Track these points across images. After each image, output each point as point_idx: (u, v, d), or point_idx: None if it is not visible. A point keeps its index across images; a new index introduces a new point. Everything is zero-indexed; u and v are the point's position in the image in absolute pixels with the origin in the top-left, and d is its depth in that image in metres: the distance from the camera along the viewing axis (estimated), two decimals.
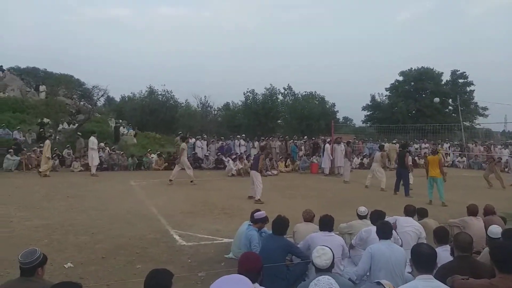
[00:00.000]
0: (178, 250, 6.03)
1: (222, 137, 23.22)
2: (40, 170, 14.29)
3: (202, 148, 20.05)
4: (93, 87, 24.18)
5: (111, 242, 6.28)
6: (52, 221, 7.53)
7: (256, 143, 21.32)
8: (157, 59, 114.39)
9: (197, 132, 26.29)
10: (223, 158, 18.43)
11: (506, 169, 19.80)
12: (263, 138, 22.74)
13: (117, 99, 45.75)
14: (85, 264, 5.26)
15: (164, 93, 35.99)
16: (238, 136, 22.53)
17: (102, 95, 24.56)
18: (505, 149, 23.19)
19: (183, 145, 13.53)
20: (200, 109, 35.89)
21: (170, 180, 12.95)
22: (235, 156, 17.62)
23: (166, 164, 17.61)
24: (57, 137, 19.41)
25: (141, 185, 12.77)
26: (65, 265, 5.13)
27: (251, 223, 5.44)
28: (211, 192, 11.71)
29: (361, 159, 21.31)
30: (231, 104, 39.47)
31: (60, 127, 20.68)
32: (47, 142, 14.89)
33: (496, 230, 4.56)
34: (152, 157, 18.12)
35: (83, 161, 16.45)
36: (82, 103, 25.79)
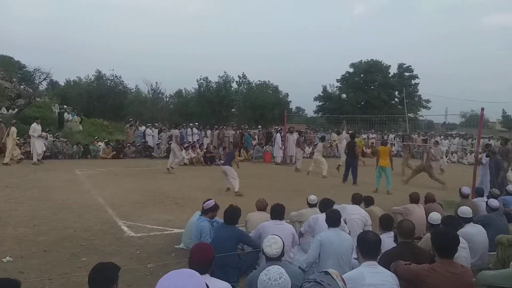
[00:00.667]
0: (126, 241, 5.86)
1: (174, 125, 22.74)
2: (14, 158, 14.03)
3: (152, 136, 19.54)
4: (34, 70, 22.70)
5: (54, 234, 5.98)
6: None
7: (209, 132, 21.12)
8: (105, 42, 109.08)
9: (147, 120, 25.56)
10: None
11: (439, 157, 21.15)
12: (216, 127, 22.56)
13: (61, 83, 43.31)
14: (25, 257, 4.97)
15: (112, 78, 34.67)
16: (191, 124, 22.19)
17: (45, 79, 23.11)
18: (445, 139, 24.73)
19: (176, 131, 13.98)
20: (151, 95, 34.84)
21: (172, 168, 13.46)
22: (187, 144, 17.32)
23: (114, 152, 16.98)
24: None
25: (87, 174, 12.24)
26: (3, 259, 4.84)
27: (202, 214, 5.37)
28: (162, 181, 11.47)
29: (312, 148, 21.76)
30: (183, 91, 38.73)
31: None
32: (13, 129, 14.18)
33: (436, 216, 4.84)
34: (99, 145, 17.38)
35: (24, 149, 15.45)
36: (22, 87, 24.09)
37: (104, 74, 34.64)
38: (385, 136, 24.38)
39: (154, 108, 32.34)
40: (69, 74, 67.38)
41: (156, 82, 34.44)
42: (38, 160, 14.36)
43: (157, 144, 18.61)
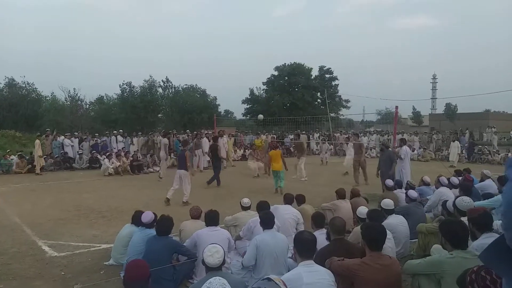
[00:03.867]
0: (48, 262, 5.38)
1: (97, 134, 21.49)
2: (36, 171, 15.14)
3: (72, 146, 18.21)
4: None
5: None
6: None
7: (135, 139, 20.27)
8: (14, 47, 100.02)
9: (66, 129, 23.90)
10: (99, 157, 17.06)
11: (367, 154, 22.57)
12: (140, 133, 21.79)
13: None
14: None
15: (24, 85, 31.84)
16: (115, 131, 21.15)
17: None
18: (364, 136, 26.36)
19: (165, 140, 14.01)
20: (68, 103, 32.61)
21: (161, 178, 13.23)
22: (109, 153, 16.43)
23: (30, 166, 15.57)
24: None
25: None
26: None
27: (145, 227, 5.06)
28: (85, 194, 10.71)
29: (243, 150, 21.92)
30: (105, 98, 36.85)
31: None
32: (37, 141, 15.52)
33: (363, 210, 5.09)
34: (12, 159, 15.82)
35: None
36: None
37: (16, 81, 31.75)
38: (310, 136, 25.39)
39: (73, 116, 30.35)
40: None
41: (74, 89, 32.35)
42: None
43: (79, 154, 17.43)
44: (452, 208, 4.78)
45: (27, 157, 16.01)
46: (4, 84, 31.76)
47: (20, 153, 16.43)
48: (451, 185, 7.27)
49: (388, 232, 4.34)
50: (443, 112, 55.54)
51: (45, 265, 5.29)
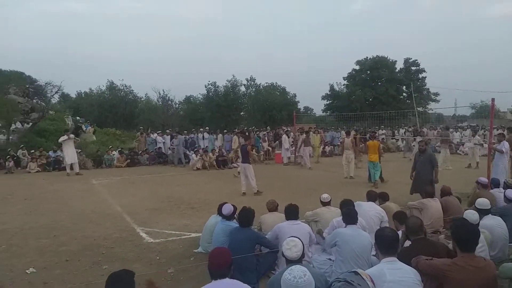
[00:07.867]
0: (145, 247, 5.93)
1: (185, 131, 22.89)
2: None
3: (163, 143, 19.66)
4: (46, 83, 22.99)
5: (75, 244, 6.08)
6: (10, 226, 7.19)
7: (220, 136, 21.20)
8: (115, 52, 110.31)
9: (158, 127, 25.81)
10: (187, 152, 18.19)
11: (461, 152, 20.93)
12: (226, 130, 22.72)
13: (73, 95, 43.89)
14: (48, 268, 5.07)
15: (122, 87, 35.04)
16: (201, 129, 22.32)
17: (57, 92, 23.41)
18: (456, 132, 24.42)
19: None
20: (160, 103, 35.10)
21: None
22: (196, 149, 17.42)
23: (129, 160, 17.18)
24: (11, 137, 18.48)
25: (103, 184, 12.40)
26: (27, 271, 4.93)
27: (225, 219, 5.32)
28: (176, 187, 11.56)
29: (323, 147, 21.71)
30: (192, 98, 38.94)
31: (13, 126, 19.63)
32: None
33: (474, 217, 4.35)
34: (113, 155, 17.59)
35: (40, 162, 15.76)
36: (35, 100, 24.40)
37: (115, 84, 35.16)
38: (396, 132, 24.23)
39: (164, 115, 32.60)
40: (80, 86, 68.52)
41: (163, 90, 34.70)
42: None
43: (170, 150, 18.72)
44: None
45: (125, 153, 17.67)
46: (106, 87, 35.27)
47: (120, 149, 18.19)
48: None
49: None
50: None
51: (143, 250, 5.83)
